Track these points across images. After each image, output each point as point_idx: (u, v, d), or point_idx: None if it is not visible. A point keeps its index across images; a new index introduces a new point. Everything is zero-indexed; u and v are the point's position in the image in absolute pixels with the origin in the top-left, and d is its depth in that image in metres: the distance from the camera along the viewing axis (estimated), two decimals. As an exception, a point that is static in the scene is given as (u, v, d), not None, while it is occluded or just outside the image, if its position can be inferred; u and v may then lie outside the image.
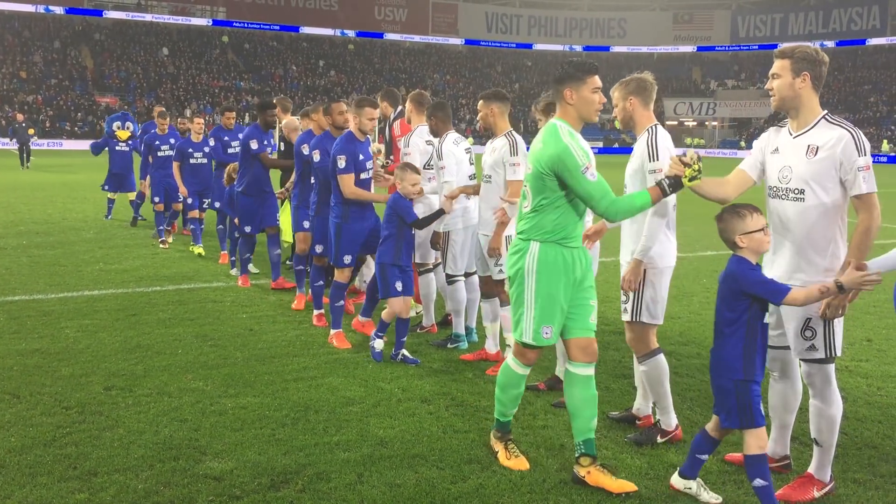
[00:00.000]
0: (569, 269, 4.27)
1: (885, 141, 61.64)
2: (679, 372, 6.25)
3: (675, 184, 4.21)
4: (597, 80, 4.27)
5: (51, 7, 64.02)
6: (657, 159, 4.59)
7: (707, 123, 78.51)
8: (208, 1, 71.82)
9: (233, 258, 10.15)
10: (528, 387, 5.74)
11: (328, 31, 75.52)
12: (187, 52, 68.58)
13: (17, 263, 10.39)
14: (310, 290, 7.82)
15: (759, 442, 3.87)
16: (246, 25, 72.03)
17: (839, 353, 4.07)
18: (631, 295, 4.76)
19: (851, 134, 3.90)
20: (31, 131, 33.61)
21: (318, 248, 7.39)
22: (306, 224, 7.96)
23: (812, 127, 4.02)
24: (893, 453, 4.73)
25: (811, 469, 4.22)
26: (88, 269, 10.13)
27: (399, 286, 6.36)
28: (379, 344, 6.45)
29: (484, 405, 5.40)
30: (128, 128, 15.26)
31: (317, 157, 7.20)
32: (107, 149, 15.45)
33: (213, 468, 4.33)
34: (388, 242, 6.41)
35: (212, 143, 10.76)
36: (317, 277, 7.54)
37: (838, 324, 4.03)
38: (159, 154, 12.46)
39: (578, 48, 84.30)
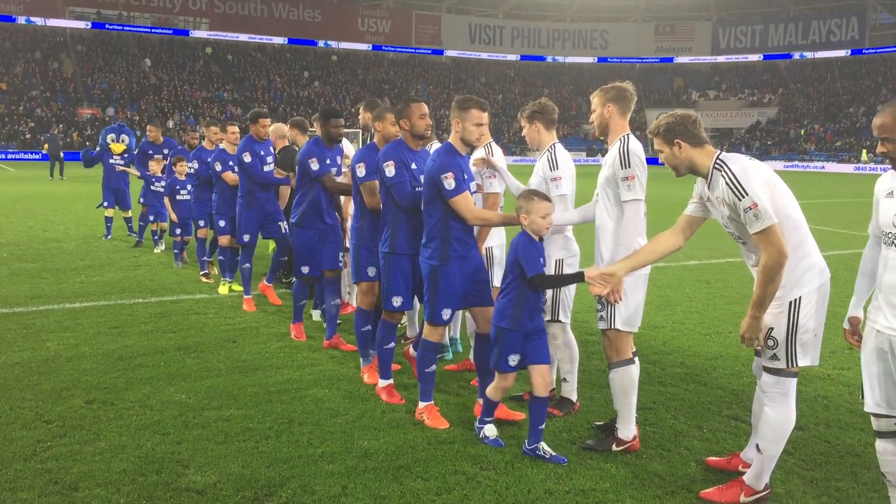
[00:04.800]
0: None
1: (865, 151, 62.28)
2: (663, 381, 6.27)
3: None
4: None
5: (32, 18, 63.73)
6: (629, 166, 4.67)
7: (689, 134, 78.93)
8: (191, 12, 71.77)
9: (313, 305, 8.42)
10: (513, 397, 5.76)
11: (312, 43, 75.59)
12: (170, 64, 68.40)
13: (-3, 276, 10.30)
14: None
15: None
16: (229, 37, 71.94)
17: (805, 364, 4.05)
18: (606, 303, 4.78)
19: (726, 182, 3.94)
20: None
21: (397, 301, 5.67)
22: (371, 272, 6.17)
23: (711, 181, 4.10)
24: (875, 461, 4.76)
25: (745, 475, 4.26)
26: (70, 281, 10.05)
27: (513, 360, 4.73)
28: (491, 430, 4.93)
29: (468, 417, 5.39)
30: (122, 140, 14.27)
31: (391, 170, 5.49)
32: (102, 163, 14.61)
33: (196, 482, 4.30)
34: (507, 297, 4.73)
35: (247, 159, 8.39)
36: (388, 338, 5.85)
37: (805, 334, 4.02)
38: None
39: (562, 59, 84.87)
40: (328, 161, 7.06)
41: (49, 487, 4.20)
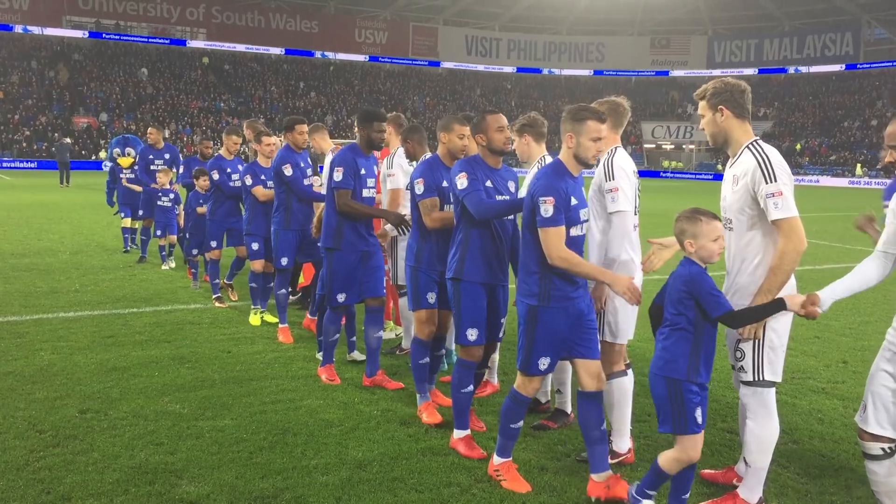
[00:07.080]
0: None
1: (859, 165, 62.54)
2: (658, 394, 6.26)
3: None
4: None
5: (29, 27, 63.79)
6: (613, 179, 4.71)
7: (684, 147, 79.35)
8: (189, 23, 71.92)
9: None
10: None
11: (309, 54, 75.79)
12: (166, 73, 68.45)
13: (-9, 285, 10.26)
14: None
15: None
16: (226, 47, 72.09)
17: (771, 379, 4.06)
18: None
19: (758, 161, 3.96)
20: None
21: (472, 335, 4.98)
22: (431, 298, 5.51)
23: (738, 157, 4.13)
24: (870, 475, 4.77)
25: (739, 488, 4.26)
26: (64, 290, 10.02)
27: (699, 416, 3.82)
28: None
29: (463, 428, 5.38)
30: (128, 154, 13.74)
31: (463, 181, 4.84)
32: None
33: (190, 492, 4.28)
34: (679, 342, 3.81)
35: (288, 171, 7.45)
36: (466, 380, 5.06)
37: (772, 349, 4.03)
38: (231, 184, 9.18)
39: (557, 72, 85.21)
40: (363, 171, 6.28)
41: (41, 498, 4.18)
